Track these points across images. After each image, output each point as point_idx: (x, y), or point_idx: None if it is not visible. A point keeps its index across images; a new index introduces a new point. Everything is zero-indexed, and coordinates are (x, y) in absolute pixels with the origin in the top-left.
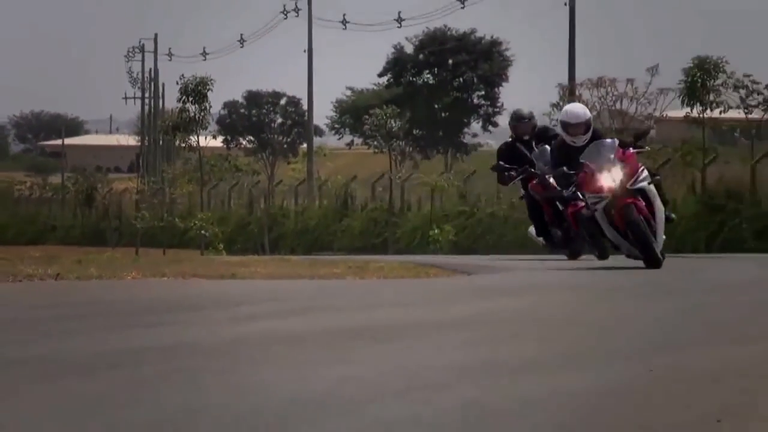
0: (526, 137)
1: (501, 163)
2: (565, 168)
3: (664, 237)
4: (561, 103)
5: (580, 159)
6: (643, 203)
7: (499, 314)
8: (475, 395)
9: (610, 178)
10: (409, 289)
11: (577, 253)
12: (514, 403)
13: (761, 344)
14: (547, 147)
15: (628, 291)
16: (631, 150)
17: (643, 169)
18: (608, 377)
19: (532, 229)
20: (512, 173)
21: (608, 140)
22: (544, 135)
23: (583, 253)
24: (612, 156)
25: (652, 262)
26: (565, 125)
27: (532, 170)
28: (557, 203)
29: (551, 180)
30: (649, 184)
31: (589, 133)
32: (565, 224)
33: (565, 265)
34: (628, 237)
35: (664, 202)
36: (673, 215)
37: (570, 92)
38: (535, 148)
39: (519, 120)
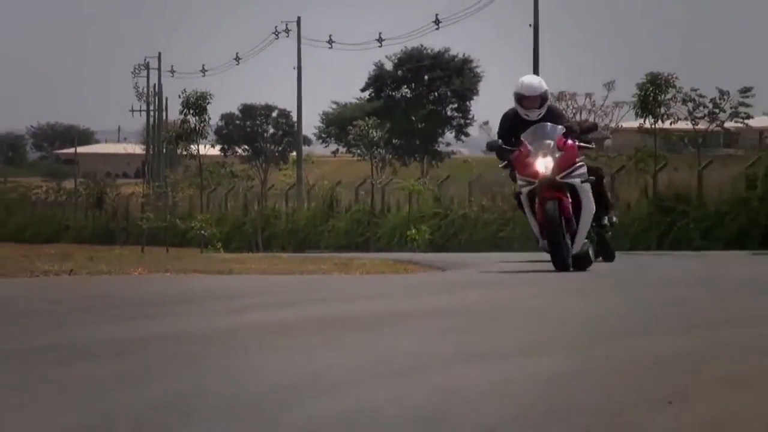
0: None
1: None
2: (500, 141)
3: (586, 241)
4: None
5: (521, 136)
6: (570, 201)
7: (470, 306)
8: (448, 379)
9: (543, 164)
10: (389, 283)
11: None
12: (484, 385)
13: (704, 333)
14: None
15: (587, 284)
16: (575, 142)
17: (580, 165)
18: (568, 363)
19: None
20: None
21: (553, 125)
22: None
23: None
24: (552, 142)
25: (557, 265)
26: (520, 97)
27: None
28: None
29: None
30: (583, 182)
31: (544, 108)
32: None
33: (531, 266)
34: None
35: (607, 206)
36: (615, 219)
37: None
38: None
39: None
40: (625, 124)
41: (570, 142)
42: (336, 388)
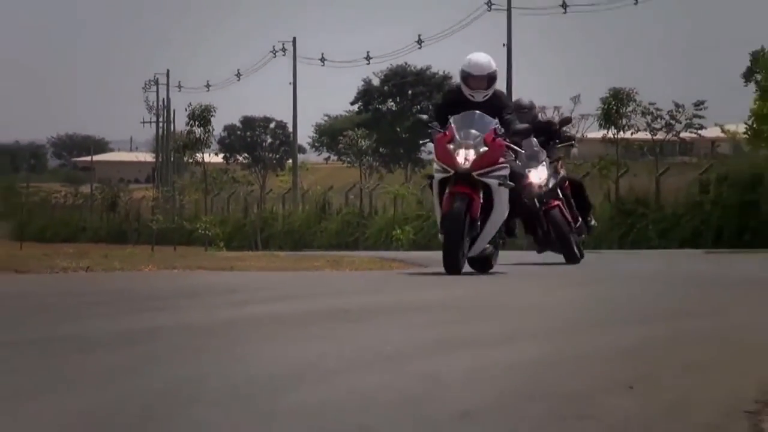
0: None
1: None
2: (426, 117)
3: (488, 246)
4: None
5: (450, 119)
6: (480, 201)
7: (450, 300)
8: (431, 366)
9: (464, 156)
10: (376, 279)
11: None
12: (462, 372)
13: (664, 324)
14: (532, 139)
15: (558, 280)
16: (504, 140)
17: (503, 166)
18: (540, 352)
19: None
20: None
21: (486, 116)
22: (543, 127)
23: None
24: (479, 135)
25: (447, 265)
26: (466, 76)
27: None
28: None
29: (530, 175)
30: (500, 184)
31: (491, 91)
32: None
33: (506, 264)
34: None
35: (588, 210)
36: (594, 223)
37: None
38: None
39: (518, 110)
40: (590, 135)
41: (499, 139)
42: (328, 375)
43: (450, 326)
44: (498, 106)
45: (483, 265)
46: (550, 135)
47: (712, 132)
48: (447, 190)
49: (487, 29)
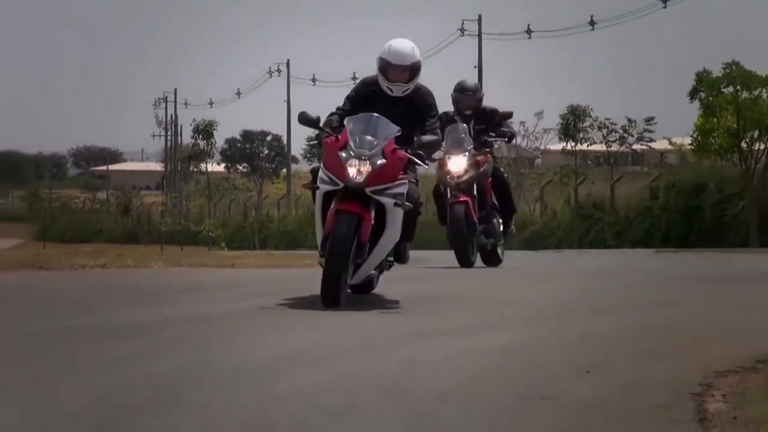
0: (468, 112)
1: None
2: (314, 116)
3: (374, 272)
4: None
5: (345, 121)
6: (371, 223)
7: (428, 294)
8: (410, 353)
9: (356, 169)
10: None
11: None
12: (439, 358)
13: (619, 315)
14: (461, 125)
15: (524, 275)
16: (407, 152)
17: (401, 183)
18: (508, 340)
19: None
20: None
21: (388, 123)
22: (487, 115)
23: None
24: (378, 145)
25: (324, 296)
26: (385, 65)
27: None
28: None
29: (449, 162)
30: (396, 204)
31: (412, 85)
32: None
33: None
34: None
35: (511, 212)
36: (513, 229)
37: None
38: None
39: (462, 92)
40: (552, 147)
41: (400, 151)
42: (319, 360)
43: (427, 317)
44: (420, 105)
45: (363, 289)
46: (491, 125)
47: (661, 144)
48: (333, 206)
49: (460, 53)
